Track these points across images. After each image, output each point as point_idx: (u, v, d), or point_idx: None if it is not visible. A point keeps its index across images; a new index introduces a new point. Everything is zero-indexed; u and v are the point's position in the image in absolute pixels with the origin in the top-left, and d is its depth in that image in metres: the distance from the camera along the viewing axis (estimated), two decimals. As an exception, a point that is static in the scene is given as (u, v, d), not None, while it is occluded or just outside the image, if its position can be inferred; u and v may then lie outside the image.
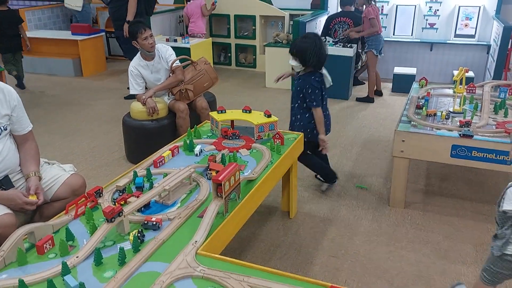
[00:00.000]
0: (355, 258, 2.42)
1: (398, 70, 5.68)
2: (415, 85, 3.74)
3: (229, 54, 6.80)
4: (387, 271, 2.32)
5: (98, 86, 5.90)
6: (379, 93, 5.41)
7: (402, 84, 5.43)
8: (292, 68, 2.99)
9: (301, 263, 2.38)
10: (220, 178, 1.78)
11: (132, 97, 4.52)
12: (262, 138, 2.60)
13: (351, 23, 5.35)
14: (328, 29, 5.60)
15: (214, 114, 2.78)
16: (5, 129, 2.11)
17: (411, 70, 5.63)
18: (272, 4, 6.52)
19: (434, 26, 5.86)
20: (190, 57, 4.21)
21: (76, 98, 5.41)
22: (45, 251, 1.59)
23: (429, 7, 5.82)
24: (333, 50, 5.17)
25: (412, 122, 2.86)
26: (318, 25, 5.92)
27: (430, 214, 2.81)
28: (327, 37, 5.42)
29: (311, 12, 6.10)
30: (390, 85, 5.66)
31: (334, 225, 2.74)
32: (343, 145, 3.98)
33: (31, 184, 2.08)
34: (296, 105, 2.97)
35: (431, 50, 5.91)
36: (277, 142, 2.50)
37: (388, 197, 3.01)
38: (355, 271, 2.32)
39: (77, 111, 4.93)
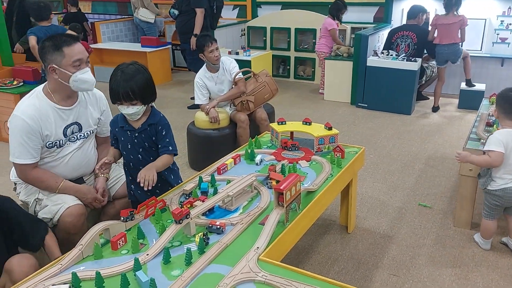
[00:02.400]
0: (418, 279, 2.33)
1: (466, 86, 5.43)
2: (485, 102, 3.56)
3: (288, 67, 6.87)
4: (452, 294, 2.22)
5: (163, 96, 6.20)
6: (435, 109, 5.30)
7: (469, 100, 5.19)
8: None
9: (360, 279, 2.34)
10: (282, 187, 1.81)
11: (195, 107, 4.71)
12: (322, 151, 2.60)
13: (414, 37, 5.22)
14: (390, 43, 5.50)
15: (274, 125, 2.83)
16: (92, 132, 2.31)
17: (480, 86, 5.36)
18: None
19: (506, 41, 5.55)
20: (250, 68, 4.33)
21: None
22: (119, 247, 1.70)
23: (501, 21, 5.52)
24: (396, 64, 5.07)
25: (482, 140, 2.72)
26: (380, 38, 5.83)
27: (499, 237, 2.65)
28: (390, 51, 5.32)
29: (374, 25, 6.03)
30: (456, 101, 5.42)
31: (395, 243, 2.66)
32: (405, 161, 3.86)
33: (99, 186, 2.24)
34: (140, 157, 2.14)
35: (502, 66, 5.59)
36: (338, 155, 2.49)
37: (453, 217, 2.87)
38: (416, 292, 2.24)
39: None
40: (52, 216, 2.06)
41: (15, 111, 2.06)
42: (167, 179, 2.23)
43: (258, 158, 2.50)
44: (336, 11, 5.79)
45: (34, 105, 2.07)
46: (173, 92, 6.40)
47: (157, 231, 1.79)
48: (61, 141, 2.16)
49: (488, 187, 2.43)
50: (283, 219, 1.85)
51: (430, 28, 5.16)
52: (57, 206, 2.06)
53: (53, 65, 2.05)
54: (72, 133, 2.20)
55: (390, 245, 2.64)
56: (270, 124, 2.90)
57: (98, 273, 1.48)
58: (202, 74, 3.76)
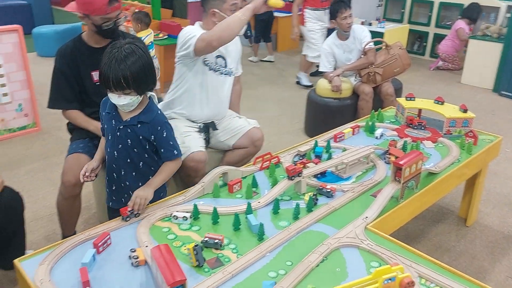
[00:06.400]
0: (542, 289, 2.07)
1: None
2: None
3: (425, 44, 6.35)
4: None
5: (288, 62, 6.28)
6: None
7: None
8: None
9: (472, 275, 2.11)
10: (401, 163, 1.74)
11: (317, 73, 4.68)
12: (451, 134, 2.40)
13: None
14: None
15: (401, 100, 2.68)
16: (233, 74, 2.49)
17: None
18: (488, -8, 5.78)
19: None
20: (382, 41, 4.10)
21: (274, 70, 5.84)
22: (234, 191, 1.83)
23: None
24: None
25: None
26: (544, 19, 5.01)
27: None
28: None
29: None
30: None
31: (521, 247, 2.38)
32: (550, 161, 3.36)
33: None
34: (116, 154, 1.74)
35: None
36: (469, 141, 2.28)
37: None
38: (539, 304, 2.00)
39: (272, 83, 5.37)
40: None
41: None
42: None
43: (378, 132, 2.42)
44: (477, 14, 5.45)
45: None
46: (298, 59, 6.42)
47: (270, 183, 1.88)
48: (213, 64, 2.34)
49: None
50: (397, 195, 1.78)
51: None
52: (184, 149, 2.27)
53: (215, 9, 2.27)
54: (219, 65, 2.38)
55: (514, 248, 2.37)
56: (398, 99, 2.75)
57: (215, 209, 1.62)
58: (331, 41, 3.69)
